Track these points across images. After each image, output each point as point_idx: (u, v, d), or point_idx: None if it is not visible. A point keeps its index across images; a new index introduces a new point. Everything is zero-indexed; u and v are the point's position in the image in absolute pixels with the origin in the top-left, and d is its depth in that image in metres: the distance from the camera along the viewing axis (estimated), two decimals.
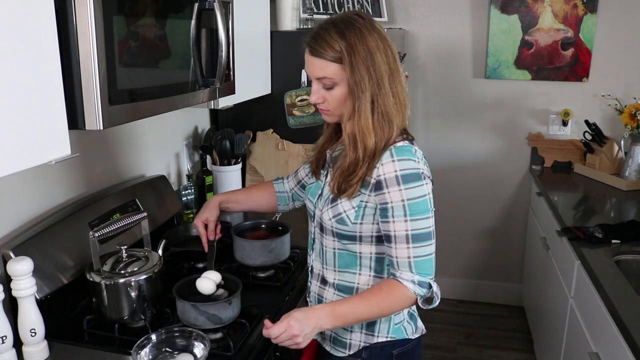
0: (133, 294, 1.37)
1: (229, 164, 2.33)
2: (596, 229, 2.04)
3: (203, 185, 2.24)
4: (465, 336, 3.10)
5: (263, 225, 1.81)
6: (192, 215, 2.20)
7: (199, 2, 1.43)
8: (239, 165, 2.37)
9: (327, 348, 1.38)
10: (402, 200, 1.15)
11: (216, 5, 1.44)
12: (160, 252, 1.51)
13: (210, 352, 1.25)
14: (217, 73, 1.52)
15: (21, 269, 1.22)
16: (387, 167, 1.16)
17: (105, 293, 1.36)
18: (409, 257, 1.17)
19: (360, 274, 1.29)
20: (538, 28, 2.99)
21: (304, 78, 2.43)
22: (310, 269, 1.43)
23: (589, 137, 2.94)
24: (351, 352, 1.32)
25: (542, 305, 2.65)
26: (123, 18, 1.15)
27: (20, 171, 0.99)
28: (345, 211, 1.23)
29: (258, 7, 2.24)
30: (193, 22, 1.42)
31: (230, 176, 2.34)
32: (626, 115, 2.69)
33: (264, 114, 2.49)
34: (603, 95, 2.96)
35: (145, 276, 1.39)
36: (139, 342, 1.21)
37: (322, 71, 1.18)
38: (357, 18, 1.18)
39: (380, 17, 2.99)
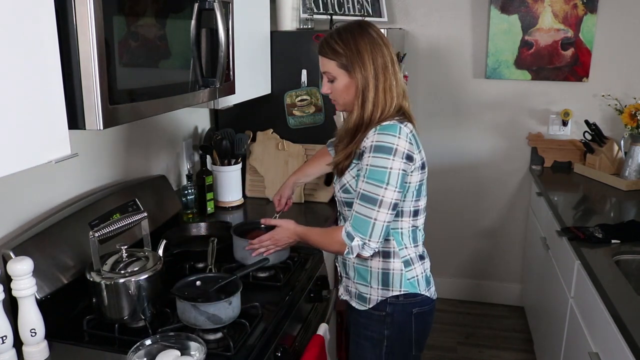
0: (133, 294, 1.37)
1: (229, 164, 2.33)
2: (596, 229, 2.04)
3: (203, 185, 2.24)
4: (465, 336, 3.10)
5: (262, 226, 1.81)
6: (191, 216, 2.21)
7: (199, 2, 1.43)
8: (239, 165, 2.37)
9: (353, 304, 1.60)
10: (367, 165, 1.39)
11: (216, 5, 1.44)
12: (160, 252, 1.51)
13: (210, 352, 1.25)
14: (217, 73, 1.52)
15: (21, 269, 1.22)
16: (370, 139, 1.41)
17: (105, 293, 1.36)
18: (354, 211, 1.41)
19: (371, 238, 1.42)
20: (538, 28, 2.99)
21: (304, 78, 2.43)
22: None
23: (589, 137, 2.94)
24: (371, 306, 1.54)
25: (542, 305, 2.65)
26: (123, 18, 1.15)
27: (20, 171, 0.99)
28: (347, 182, 1.49)
29: (258, 7, 2.24)
30: (193, 22, 1.42)
31: (230, 176, 2.34)
32: (626, 115, 2.69)
33: (264, 114, 2.49)
34: (603, 95, 2.96)
35: (145, 276, 1.39)
36: (133, 347, 1.21)
37: (325, 67, 1.49)
38: (355, 26, 1.46)
39: (380, 17, 2.99)
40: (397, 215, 1.46)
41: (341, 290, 1.69)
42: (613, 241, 1.95)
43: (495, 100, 3.16)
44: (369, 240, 1.39)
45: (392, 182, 1.37)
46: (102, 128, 1.10)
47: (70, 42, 1.05)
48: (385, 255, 1.50)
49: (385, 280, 1.52)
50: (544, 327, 2.59)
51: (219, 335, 1.35)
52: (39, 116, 1.01)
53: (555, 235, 2.29)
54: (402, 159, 1.38)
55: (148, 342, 1.24)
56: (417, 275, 1.53)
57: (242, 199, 2.44)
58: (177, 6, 1.36)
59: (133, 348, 1.21)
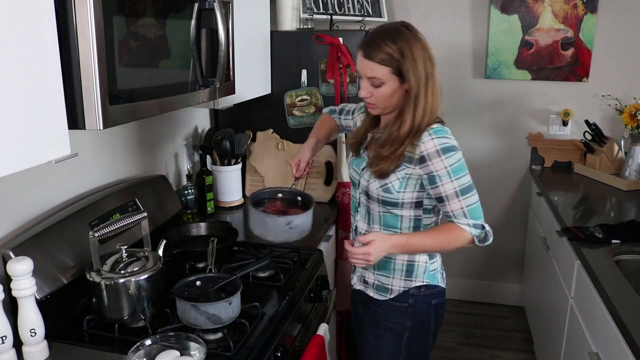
0: (133, 294, 1.37)
1: (229, 164, 2.33)
2: (596, 229, 2.04)
3: (203, 185, 2.24)
4: (465, 336, 3.10)
5: (280, 195, 1.73)
6: (191, 216, 2.20)
7: (199, 2, 1.43)
8: (239, 165, 2.37)
9: (371, 294, 1.62)
10: (445, 167, 1.42)
11: (216, 5, 1.44)
12: (160, 252, 1.51)
13: (210, 352, 1.25)
14: (217, 73, 1.52)
15: (21, 269, 1.22)
16: (427, 144, 1.42)
17: (105, 293, 1.36)
18: (462, 208, 1.45)
19: (401, 231, 1.53)
20: (538, 28, 2.99)
21: (304, 78, 2.43)
22: (354, 228, 1.68)
23: (589, 137, 2.94)
24: (392, 296, 1.57)
25: (542, 305, 2.65)
26: (123, 18, 1.15)
27: (20, 171, 0.99)
28: (391, 182, 1.48)
29: (258, 7, 2.24)
30: (193, 22, 1.42)
31: (230, 176, 2.34)
32: (626, 115, 2.69)
33: (264, 114, 2.49)
34: (603, 95, 2.96)
35: (145, 276, 1.39)
36: (133, 347, 1.21)
37: (373, 72, 1.42)
38: (405, 30, 1.43)
39: (380, 17, 2.99)
40: (428, 212, 1.52)
41: (354, 279, 1.70)
42: (613, 241, 1.95)
43: (495, 100, 3.16)
44: (484, 222, 1.47)
45: (466, 167, 1.47)
46: (102, 128, 1.10)
47: (70, 42, 1.05)
48: None
49: (410, 271, 1.55)
50: (544, 327, 2.59)
51: (219, 335, 1.35)
52: (39, 116, 1.01)
53: (555, 235, 2.29)
54: (461, 151, 1.48)
55: (148, 342, 1.24)
56: (437, 268, 1.60)
57: (242, 199, 2.43)
58: (177, 6, 1.36)
59: (133, 348, 1.21)
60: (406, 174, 1.46)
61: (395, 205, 1.50)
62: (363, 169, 1.56)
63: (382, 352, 1.61)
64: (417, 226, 1.53)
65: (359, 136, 1.62)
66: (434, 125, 1.44)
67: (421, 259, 1.56)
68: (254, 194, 1.75)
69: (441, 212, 1.53)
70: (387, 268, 1.57)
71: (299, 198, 1.75)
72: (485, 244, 1.49)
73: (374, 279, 1.60)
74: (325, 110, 1.93)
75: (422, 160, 1.42)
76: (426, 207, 1.51)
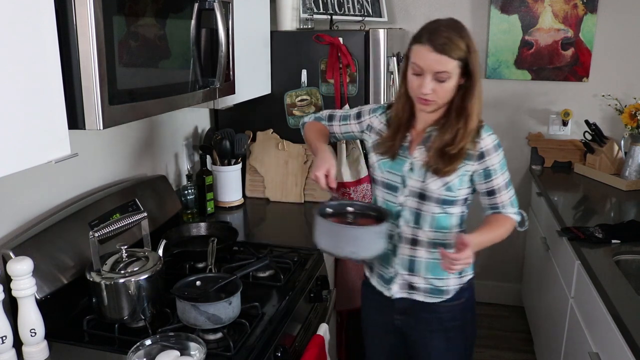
0: (133, 294, 1.37)
1: (229, 164, 2.33)
2: (596, 229, 2.04)
3: (203, 186, 2.24)
4: None
5: (350, 208, 1.57)
6: (191, 216, 2.20)
7: (199, 2, 1.43)
8: (239, 166, 2.37)
9: (420, 299, 1.60)
10: (499, 162, 1.50)
11: (216, 5, 1.44)
12: (160, 252, 1.51)
13: (210, 352, 1.25)
14: (217, 73, 1.52)
15: (21, 269, 1.22)
16: (487, 140, 1.48)
17: (105, 293, 1.36)
18: (509, 198, 1.54)
19: (451, 230, 1.55)
20: (538, 28, 2.99)
21: (304, 78, 2.43)
22: (391, 237, 1.56)
23: (589, 137, 2.94)
24: (449, 297, 1.59)
25: (542, 305, 2.65)
26: (123, 18, 1.15)
27: (20, 171, 0.99)
28: (451, 181, 1.49)
29: (258, 7, 2.24)
30: (193, 22, 1.42)
31: (230, 176, 2.34)
32: (626, 115, 2.69)
33: (264, 114, 2.49)
34: (603, 95, 2.96)
35: (145, 276, 1.39)
36: (133, 347, 1.21)
37: (443, 66, 1.39)
38: (462, 25, 1.46)
39: (380, 17, 2.99)
40: (468, 207, 1.58)
41: (395, 288, 1.61)
42: (613, 241, 1.95)
43: (495, 100, 3.15)
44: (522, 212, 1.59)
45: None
46: (102, 128, 1.10)
47: (70, 42, 1.05)
48: None
49: (462, 270, 1.58)
50: (544, 327, 2.59)
51: (219, 335, 1.35)
52: (39, 116, 1.01)
53: (555, 235, 2.29)
54: None
55: (148, 342, 1.24)
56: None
57: (242, 199, 2.44)
58: (177, 6, 1.36)
59: (133, 348, 1.21)
60: (465, 170, 1.49)
61: (452, 203, 1.52)
62: (410, 171, 1.53)
63: (454, 351, 1.64)
64: (462, 222, 1.57)
65: (398, 138, 1.55)
66: (483, 123, 1.51)
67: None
68: (324, 206, 1.55)
69: (486, 205, 1.57)
70: (440, 270, 1.51)
71: (371, 212, 1.56)
72: (523, 228, 1.60)
73: (425, 283, 1.57)
74: (308, 119, 1.78)
75: (481, 156, 1.48)
76: (469, 203, 1.56)
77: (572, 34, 2.95)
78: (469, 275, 1.62)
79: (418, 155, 1.53)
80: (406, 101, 1.53)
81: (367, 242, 1.41)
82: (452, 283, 1.58)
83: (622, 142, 2.82)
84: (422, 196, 1.52)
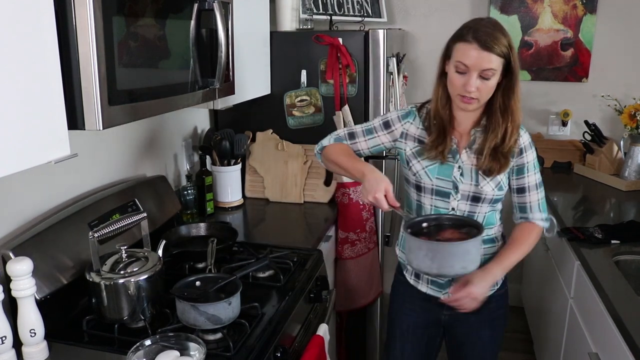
0: (132, 295, 1.37)
1: (229, 164, 2.33)
2: (596, 229, 2.04)
3: (202, 186, 2.24)
4: None
5: (448, 223, 1.50)
6: (191, 216, 2.20)
7: (198, 3, 1.43)
8: (239, 166, 2.37)
9: None
10: (533, 159, 1.55)
11: (216, 6, 1.44)
12: (159, 252, 1.51)
13: (210, 353, 1.25)
14: (217, 73, 1.52)
15: (21, 269, 1.21)
16: (524, 137, 1.54)
17: (104, 293, 1.36)
18: (538, 200, 1.57)
19: (497, 225, 1.63)
20: (537, 28, 2.99)
21: (303, 78, 2.43)
22: None
23: (588, 137, 2.94)
24: (497, 287, 1.64)
25: (542, 306, 2.65)
26: (122, 18, 1.15)
27: (20, 171, 0.99)
28: (501, 179, 1.53)
29: (258, 7, 2.24)
30: (193, 22, 1.42)
31: (229, 177, 2.34)
32: (626, 116, 2.69)
33: (264, 114, 2.49)
34: (602, 96, 2.96)
35: (144, 276, 1.39)
36: (133, 347, 1.21)
37: (491, 63, 1.39)
38: (499, 23, 1.45)
39: (380, 17, 2.99)
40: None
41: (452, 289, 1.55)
42: (613, 241, 1.95)
43: None
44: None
45: None
46: (101, 128, 1.10)
47: (70, 43, 1.06)
48: (503, 236, 1.67)
49: None
50: (543, 328, 2.59)
51: (219, 335, 1.35)
52: (38, 117, 1.01)
53: (555, 235, 2.29)
54: None
55: (148, 342, 1.24)
56: None
57: (242, 199, 2.44)
58: (177, 7, 1.36)
59: (133, 348, 1.21)
60: (509, 168, 1.53)
61: (500, 200, 1.57)
62: (461, 175, 1.52)
63: (497, 338, 1.71)
64: (500, 217, 1.64)
65: (447, 141, 1.52)
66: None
67: (503, 243, 1.65)
68: (415, 222, 1.47)
69: (515, 203, 1.60)
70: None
71: (464, 225, 1.48)
72: (551, 234, 1.67)
73: None
74: (327, 141, 1.68)
75: (520, 152, 1.53)
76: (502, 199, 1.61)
77: (572, 34, 2.96)
78: None
79: (466, 158, 1.53)
80: (446, 102, 1.52)
81: (475, 254, 1.36)
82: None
83: (622, 142, 2.82)
84: (475, 199, 1.54)
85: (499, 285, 1.65)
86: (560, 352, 2.16)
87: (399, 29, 3.06)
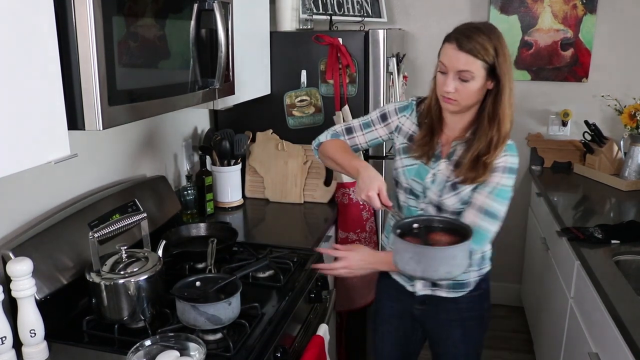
0: (133, 295, 1.37)
1: (229, 164, 2.33)
2: (596, 229, 2.04)
3: (202, 186, 2.24)
4: None
5: (439, 225, 1.47)
6: (191, 216, 2.20)
7: (198, 3, 1.43)
8: (239, 166, 2.37)
9: (444, 294, 1.62)
10: (498, 184, 1.45)
11: (216, 6, 1.44)
12: (159, 252, 1.51)
13: (210, 353, 1.25)
14: (217, 73, 1.52)
15: (21, 269, 1.21)
16: (502, 158, 1.44)
17: (104, 294, 1.36)
18: (478, 226, 1.45)
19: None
20: (537, 28, 2.99)
21: (303, 78, 2.43)
22: None
23: (588, 137, 2.95)
24: (470, 289, 1.62)
25: (542, 306, 2.65)
26: (122, 18, 1.15)
27: (20, 171, 0.99)
28: (468, 196, 1.48)
29: (258, 8, 2.24)
30: (192, 22, 1.42)
31: (229, 177, 2.34)
32: (626, 116, 2.70)
33: (264, 114, 2.49)
34: (602, 96, 2.96)
35: (145, 277, 1.39)
36: (133, 348, 1.21)
37: (467, 65, 1.38)
38: (495, 28, 1.42)
39: (380, 17, 2.99)
40: None
41: (419, 286, 1.63)
42: (613, 241, 1.95)
43: None
44: (479, 252, 1.55)
45: (510, 198, 1.48)
46: (101, 129, 1.10)
47: (69, 43, 1.05)
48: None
49: (482, 262, 1.63)
50: (544, 327, 2.59)
51: (219, 335, 1.35)
52: (38, 117, 1.01)
53: (555, 235, 2.29)
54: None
55: (148, 342, 1.24)
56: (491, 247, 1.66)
57: (242, 199, 2.44)
58: (177, 7, 1.36)
59: (133, 349, 1.21)
60: (478, 184, 1.47)
61: (460, 214, 1.50)
62: (432, 182, 1.52)
63: (470, 339, 1.67)
64: None
65: (432, 144, 1.53)
66: (509, 140, 1.46)
67: (487, 247, 1.62)
68: (404, 223, 1.45)
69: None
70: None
71: (452, 228, 1.44)
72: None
73: (447, 279, 1.59)
74: (324, 137, 1.68)
75: (493, 169, 1.44)
76: None
77: (572, 34, 2.96)
78: (487, 267, 1.65)
79: (443, 167, 1.51)
80: (437, 101, 1.52)
81: (461, 259, 1.33)
82: (472, 276, 1.61)
83: (622, 142, 2.83)
84: (439, 208, 1.54)
85: (471, 287, 1.62)
86: (561, 352, 2.16)
87: (399, 29, 3.06)
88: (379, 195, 1.43)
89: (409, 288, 1.66)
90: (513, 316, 3.31)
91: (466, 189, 1.48)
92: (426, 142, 1.53)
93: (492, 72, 1.39)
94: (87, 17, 1.04)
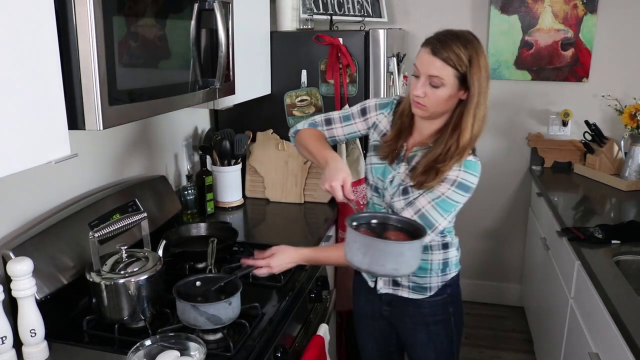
0: (133, 295, 1.37)
1: (229, 164, 2.33)
2: (596, 229, 2.04)
3: (203, 186, 2.24)
4: (465, 336, 3.09)
5: (374, 220, 1.44)
6: (191, 216, 2.20)
7: (198, 3, 1.43)
8: (239, 166, 2.37)
9: (405, 295, 1.62)
10: (443, 194, 1.43)
11: (216, 6, 1.44)
12: (160, 252, 1.51)
13: (210, 353, 1.25)
14: (217, 73, 1.52)
15: (21, 269, 1.21)
16: (454, 172, 1.42)
17: (105, 293, 1.36)
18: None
19: (429, 235, 1.47)
20: (538, 28, 2.99)
21: (303, 78, 2.43)
22: None
23: (588, 137, 2.94)
24: (432, 293, 1.61)
25: (542, 306, 2.65)
26: (123, 18, 1.15)
27: (20, 171, 0.99)
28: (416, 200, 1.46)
29: (258, 7, 2.24)
30: (193, 22, 1.42)
31: (230, 177, 2.34)
32: (626, 116, 2.69)
33: (264, 114, 2.49)
34: (603, 96, 2.96)
35: (145, 276, 1.39)
36: (133, 347, 1.21)
37: (437, 71, 1.36)
38: (474, 39, 1.40)
39: (380, 17, 2.99)
40: None
41: (380, 283, 1.66)
42: (613, 241, 1.95)
43: (495, 101, 3.15)
44: None
45: (452, 214, 1.47)
46: (102, 128, 1.10)
47: (70, 43, 1.05)
48: (445, 246, 1.61)
49: (445, 268, 1.61)
50: (544, 328, 2.59)
51: (219, 335, 1.35)
52: (38, 116, 1.01)
53: (555, 235, 2.29)
54: (470, 194, 1.46)
55: (148, 342, 1.24)
56: (459, 254, 1.67)
57: (242, 199, 2.44)
58: (177, 6, 1.36)
59: (133, 348, 1.21)
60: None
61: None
62: (390, 182, 1.53)
63: (437, 343, 1.66)
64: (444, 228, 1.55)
65: (397, 144, 1.54)
66: (471, 158, 1.44)
67: (452, 254, 1.62)
68: (357, 217, 1.43)
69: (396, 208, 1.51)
70: (424, 269, 1.58)
71: (406, 228, 1.42)
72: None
73: (408, 280, 1.61)
74: (302, 125, 1.69)
75: (443, 179, 1.42)
76: None
77: (572, 34, 2.96)
78: (452, 273, 1.64)
79: (402, 171, 1.52)
80: (410, 104, 1.50)
81: (409, 258, 1.28)
82: (434, 281, 1.60)
83: (622, 142, 2.83)
84: (392, 210, 1.54)
85: (432, 292, 1.61)
86: (561, 352, 2.16)
87: (399, 29, 3.06)
88: (343, 187, 1.42)
89: (370, 284, 1.68)
90: (513, 316, 3.31)
91: (415, 195, 1.46)
92: (393, 144, 1.53)
93: (465, 82, 1.37)
94: (87, 17, 1.04)
